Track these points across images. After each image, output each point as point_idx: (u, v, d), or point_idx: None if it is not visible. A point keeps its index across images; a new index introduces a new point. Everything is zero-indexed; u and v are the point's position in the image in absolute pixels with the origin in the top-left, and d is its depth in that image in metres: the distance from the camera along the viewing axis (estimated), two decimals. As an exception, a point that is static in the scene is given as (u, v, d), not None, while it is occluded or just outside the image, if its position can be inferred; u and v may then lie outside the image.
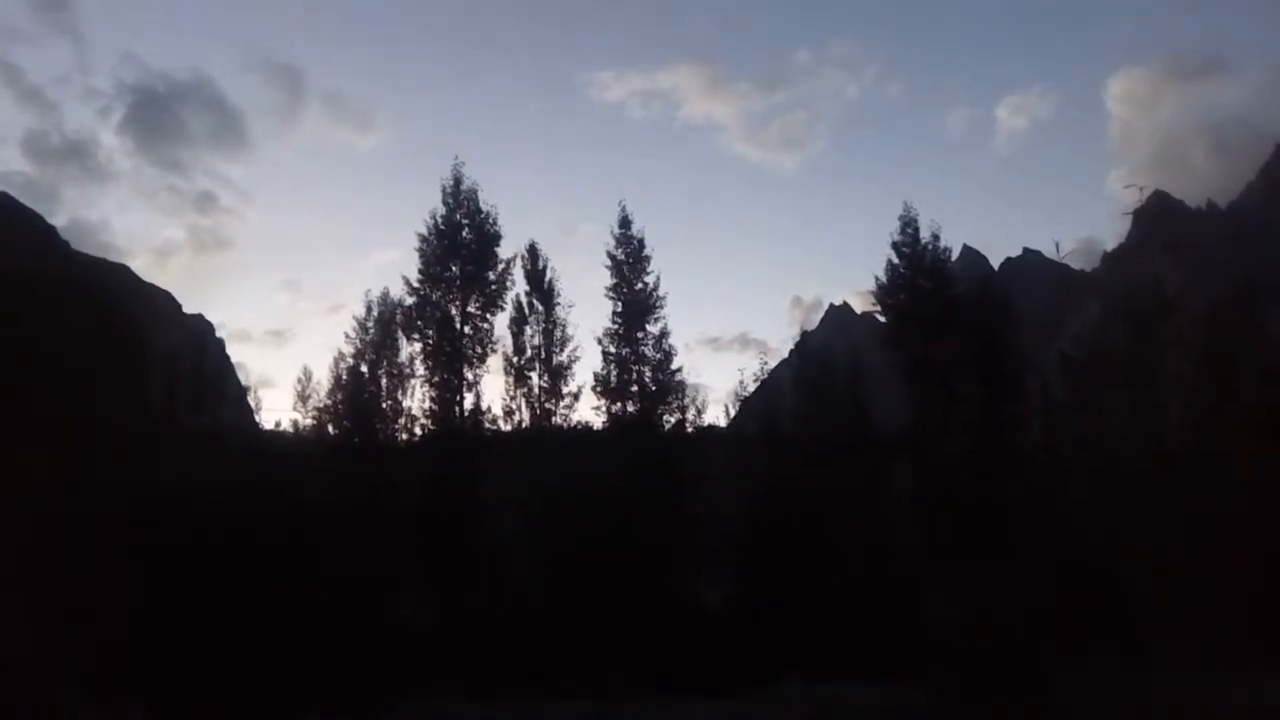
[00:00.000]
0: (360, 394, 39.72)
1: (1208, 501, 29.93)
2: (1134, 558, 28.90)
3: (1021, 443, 36.55)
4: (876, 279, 39.88)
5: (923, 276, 39.30)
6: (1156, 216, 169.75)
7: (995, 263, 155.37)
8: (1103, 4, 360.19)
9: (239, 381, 56.69)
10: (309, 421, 42.04)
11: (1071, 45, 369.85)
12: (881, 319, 41.20)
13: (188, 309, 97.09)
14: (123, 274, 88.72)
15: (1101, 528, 30.92)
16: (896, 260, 39.59)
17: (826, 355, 44.27)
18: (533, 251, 39.62)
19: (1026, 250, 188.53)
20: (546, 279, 39.21)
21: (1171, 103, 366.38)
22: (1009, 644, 24.65)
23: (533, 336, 38.68)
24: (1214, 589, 27.27)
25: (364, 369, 40.25)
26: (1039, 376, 40.61)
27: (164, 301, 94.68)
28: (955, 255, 44.79)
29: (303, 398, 42.52)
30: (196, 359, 42.81)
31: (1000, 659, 24.49)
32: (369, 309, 40.95)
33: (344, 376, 40.45)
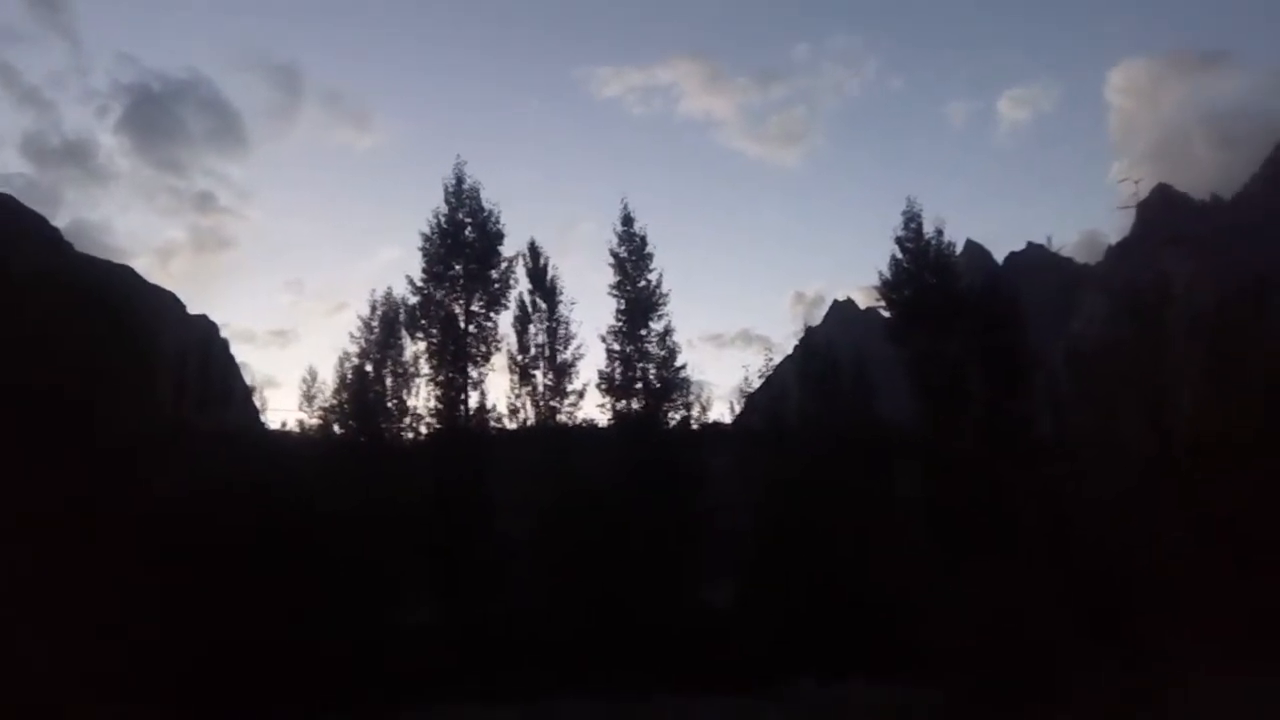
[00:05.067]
0: (365, 393, 39.69)
1: (1217, 499, 29.85)
2: (1143, 556, 28.83)
3: (1029, 439, 36.48)
4: (880, 274, 39.84)
5: (927, 271, 39.23)
6: (1160, 209, 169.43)
7: (999, 257, 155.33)
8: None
9: (244, 382, 56.54)
10: (315, 422, 41.98)
11: (1073, 37, 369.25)
12: (886, 314, 41.11)
13: (191, 310, 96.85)
14: (127, 275, 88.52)
15: (1110, 526, 30.86)
16: (900, 255, 39.52)
17: (831, 351, 44.18)
18: (533, 250, 39.68)
19: (1030, 244, 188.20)
20: (548, 277, 39.27)
21: (1174, 95, 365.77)
22: (1020, 644, 24.65)
23: (536, 335, 38.75)
24: (1223, 589, 27.20)
25: (369, 368, 40.21)
26: (1045, 371, 40.55)
27: (168, 302, 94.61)
28: (959, 249, 44.75)
29: (308, 398, 42.36)
30: (202, 360, 42.87)
31: (1011, 659, 24.49)
32: (373, 308, 40.87)
33: (349, 376, 40.37)
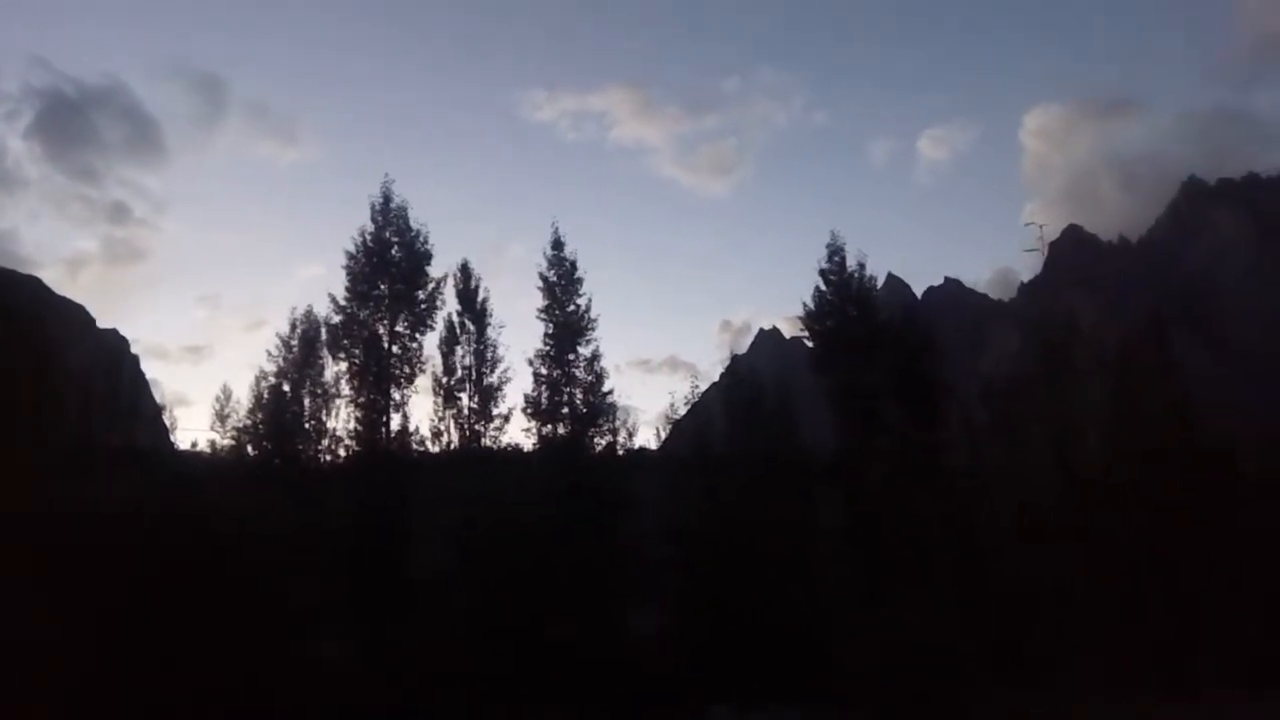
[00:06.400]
0: (282, 414, 38.57)
1: (1118, 529, 31.02)
2: (1049, 584, 29.77)
3: (943, 469, 37.35)
4: (805, 305, 40.58)
5: (849, 303, 40.06)
6: (1070, 249, 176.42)
7: (918, 290, 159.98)
8: (1020, 42, 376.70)
9: (154, 400, 54.60)
10: (228, 442, 40.59)
11: (990, 81, 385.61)
12: (810, 344, 41.79)
13: (101, 324, 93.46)
14: (34, 286, 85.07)
15: (1018, 554, 31.80)
16: (824, 287, 40.30)
17: (756, 379, 44.66)
18: (465, 271, 39.29)
19: (947, 279, 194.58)
20: (479, 299, 38.87)
21: (1084, 139, 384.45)
22: (932, 668, 25.17)
23: (463, 357, 38.23)
24: (1125, 616, 28.21)
25: (286, 388, 39.08)
26: (959, 403, 41.68)
27: (77, 315, 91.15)
28: (880, 283, 45.84)
29: (221, 417, 40.87)
30: (111, 376, 41.28)
31: (923, 683, 24.99)
32: (293, 326, 39.75)
33: (265, 395, 39.16)
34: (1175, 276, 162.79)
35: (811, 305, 40.35)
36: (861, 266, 40.48)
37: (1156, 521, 31.50)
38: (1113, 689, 25.97)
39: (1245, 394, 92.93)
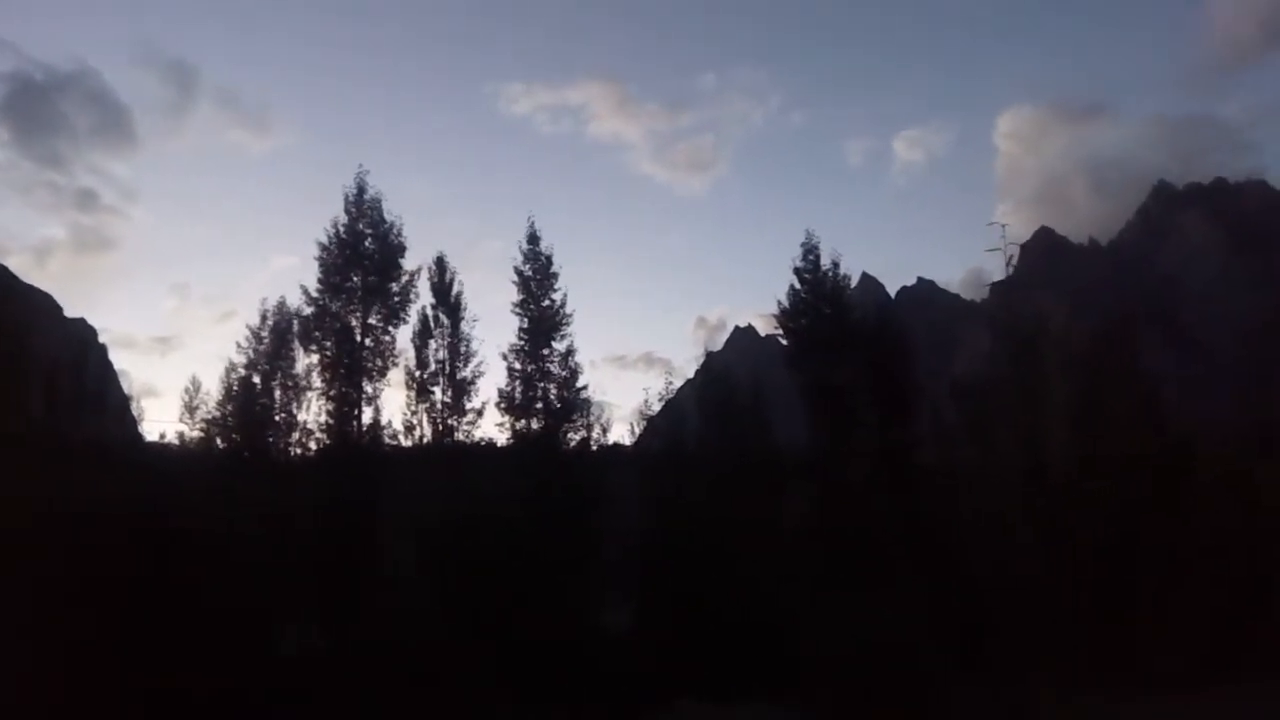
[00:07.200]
0: (252, 406, 38.17)
1: (1087, 527, 31.41)
2: (1014, 584, 30.10)
3: (914, 468, 37.64)
4: (779, 303, 40.78)
5: (823, 302, 40.25)
6: (1042, 251, 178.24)
7: (892, 289, 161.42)
8: (994, 46, 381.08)
9: (122, 390, 53.74)
10: (196, 434, 40.14)
11: (965, 83, 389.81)
12: (784, 342, 41.97)
13: (69, 312, 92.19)
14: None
15: (985, 553, 32.12)
16: (799, 285, 40.48)
17: (731, 376, 44.80)
18: (440, 264, 39.04)
19: (920, 279, 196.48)
20: (453, 292, 38.66)
21: (1056, 143, 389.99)
22: (901, 667, 25.37)
23: (437, 350, 38.02)
24: (1088, 617, 28.56)
25: (257, 380, 38.72)
26: (931, 402, 42.03)
27: (44, 304, 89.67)
28: (855, 282, 46.13)
29: (190, 409, 40.36)
30: (78, 366, 40.68)
31: (892, 681, 25.18)
32: (263, 318, 39.30)
33: (235, 387, 38.75)
34: (1144, 279, 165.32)
35: (786, 303, 40.55)
36: (836, 265, 40.75)
37: (1124, 521, 31.92)
38: (1080, 687, 26.28)
39: (1211, 395, 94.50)
